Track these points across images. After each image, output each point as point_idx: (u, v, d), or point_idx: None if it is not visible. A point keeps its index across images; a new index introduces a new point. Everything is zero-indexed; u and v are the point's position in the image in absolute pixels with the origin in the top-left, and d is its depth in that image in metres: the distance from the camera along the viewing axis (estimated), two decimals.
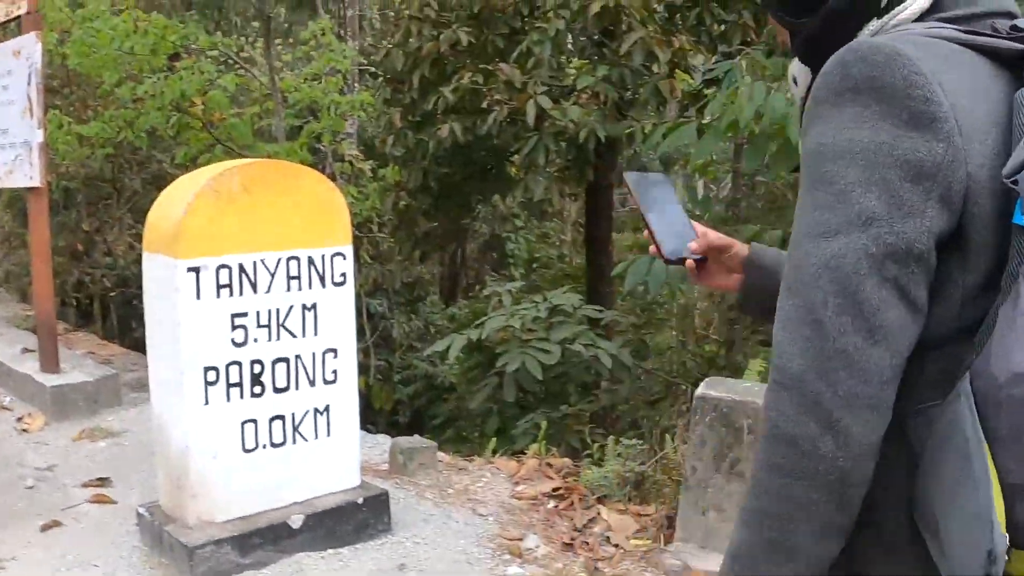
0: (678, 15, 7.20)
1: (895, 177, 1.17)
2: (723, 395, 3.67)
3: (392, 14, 7.31)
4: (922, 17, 1.33)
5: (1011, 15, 1.34)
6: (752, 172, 6.36)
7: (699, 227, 1.75)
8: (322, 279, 3.57)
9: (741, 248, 1.74)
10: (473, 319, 7.30)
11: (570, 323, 5.91)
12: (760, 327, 6.92)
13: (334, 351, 3.62)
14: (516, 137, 6.42)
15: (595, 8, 5.83)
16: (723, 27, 6.78)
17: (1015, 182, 1.12)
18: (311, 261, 3.54)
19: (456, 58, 6.83)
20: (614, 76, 6.15)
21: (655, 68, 6.20)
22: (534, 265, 11.92)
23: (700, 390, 3.73)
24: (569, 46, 7.18)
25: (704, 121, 5.53)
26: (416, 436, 4.37)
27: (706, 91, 6.69)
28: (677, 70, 6.00)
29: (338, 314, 3.62)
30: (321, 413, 3.60)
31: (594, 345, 5.77)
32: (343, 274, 3.62)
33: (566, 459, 4.40)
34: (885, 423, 1.15)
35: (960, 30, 1.25)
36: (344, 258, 3.62)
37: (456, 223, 8.37)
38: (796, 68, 1.46)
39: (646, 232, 1.82)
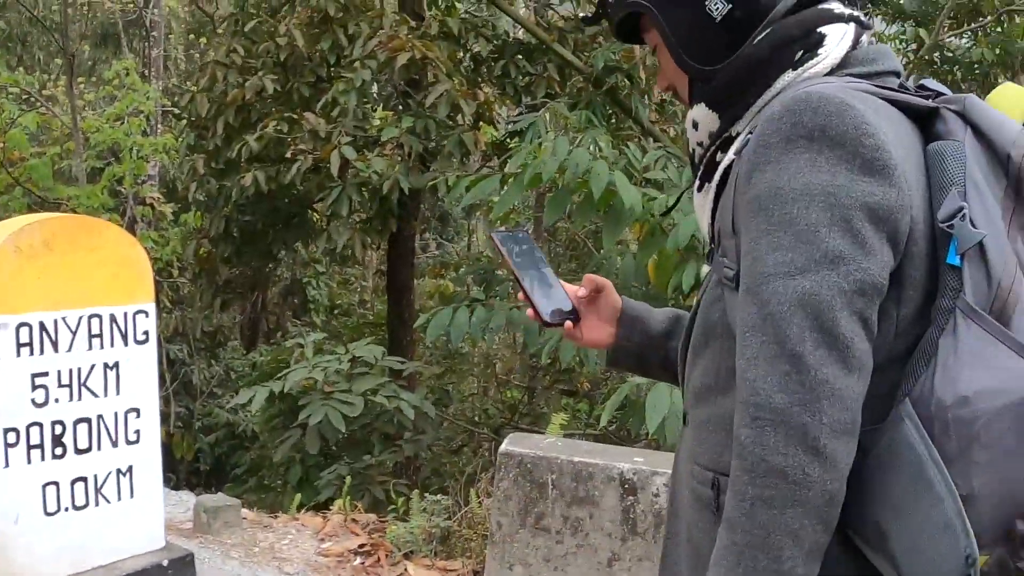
0: (483, 67, 7.40)
1: (856, 218, 1.26)
2: (527, 451, 3.78)
3: (198, 55, 7.20)
4: (832, 71, 1.44)
5: (898, 74, 1.47)
6: (554, 222, 6.59)
7: (568, 285, 1.80)
8: (124, 337, 3.50)
9: (614, 295, 1.80)
10: (275, 366, 7.23)
11: (372, 375, 5.94)
12: (560, 377, 7.19)
13: (136, 411, 3.55)
14: (320, 187, 6.42)
15: (402, 60, 5.92)
16: (528, 79, 7.00)
17: (950, 226, 1.26)
18: (113, 319, 3.47)
19: (261, 105, 6.80)
20: (419, 127, 6.26)
21: (460, 119, 6.35)
22: (335, 311, 11.88)
23: (504, 447, 3.83)
24: (375, 95, 7.26)
25: (508, 172, 5.70)
26: (220, 494, 4.33)
27: (509, 143, 6.89)
28: (482, 122, 6.15)
29: (140, 373, 3.56)
30: (124, 474, 3.52)
31: (396, 397, 5.81)
32: (146, 332, 3.55)
33: (371, 515, 4.42)
34: (856, 444, 1.25)
35: (877, 86, 1.38)
36: (147, 316, 3.56)
37: (258, 271, 8.27)
38: (699, 113, 1.53)
39: (520, 295, 1.81)
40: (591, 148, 5.57)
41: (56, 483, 3.32)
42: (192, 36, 11.08)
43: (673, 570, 1.57)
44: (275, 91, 6.66)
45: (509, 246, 1.84)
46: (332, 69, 6.80)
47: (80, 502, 3.37)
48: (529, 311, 1.75)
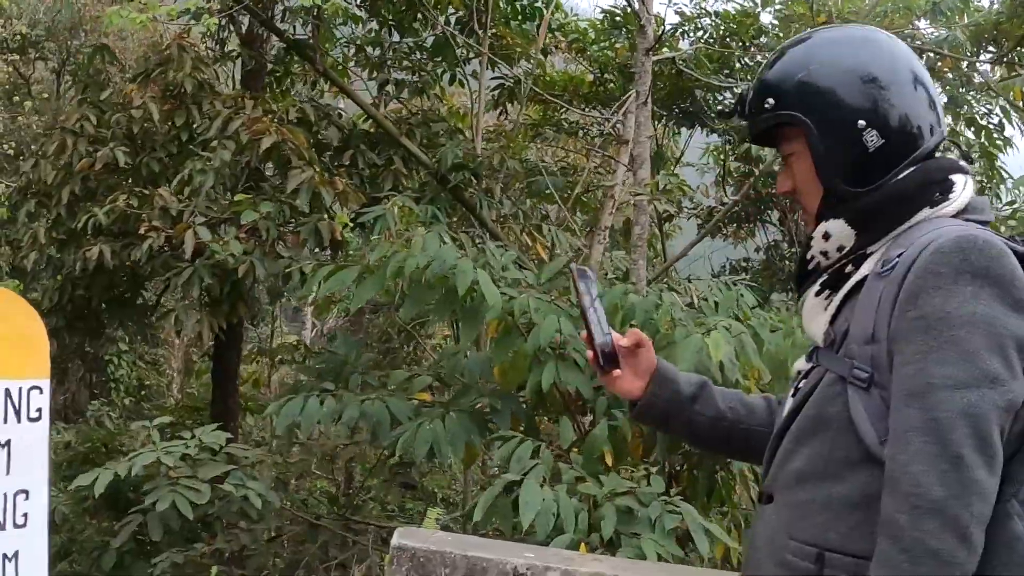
0: (329, 155, 7.44)
1: (1009, 347, 1.54)
2: (419, 545, 3.78)
3: (22, 118, 6.90)
4: (957, 214, 1.71)
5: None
6: (412, 316, 6.64)
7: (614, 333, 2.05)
8: (18, 414, 3.32)
9: (651, 352, 2.04)
10: (92, 446, 6.92)
11: (217, 461, 5.78)
12: (400, 469, 7.18)
13: (26, 492, 3.35)
14: (165, 266, 6.26)
15: (266, 144, 5.91)
16: (374, 171, 7.09)
17: None
18: (8, 393, 3.29)
19: (108, 177, 6.59)
20: (275, 213, 6.22)
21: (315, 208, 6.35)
22: (142, 392, 11.41)
23: (397, 540, 3.81)
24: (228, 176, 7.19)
25: (369, 264, 5.73)
26: None
27: (347, 235, 6.91)
28: (338, 212, 6.19)
29: (31, 452, 3.37)
30: (10, 560, 3.31)
31: (243, 485, 5.67)
32: (39, 409, 3.38)
33: None
34: None
35: (1006, 238, 1.66)
36: (41, 392, 3.39)
37: (80, 346, 7.90)
38: (834, 227, 1.75)
39: (584, 334, 1.98)
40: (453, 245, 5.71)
41: None
42: (12, 99, 10.60)
43: None
44: (127, 164, 6.48)
45: (585, 284, 2.03)
46: (184, 146, 6.68)
47: None
48: (589, 353, 2.00)
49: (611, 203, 7.85)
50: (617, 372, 2.04)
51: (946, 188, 1.73)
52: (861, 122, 1.73)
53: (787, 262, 11.40)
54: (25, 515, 3.39)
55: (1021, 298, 1.56)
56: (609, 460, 5.49)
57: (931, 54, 8.17)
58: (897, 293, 1.62)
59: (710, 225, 9.41)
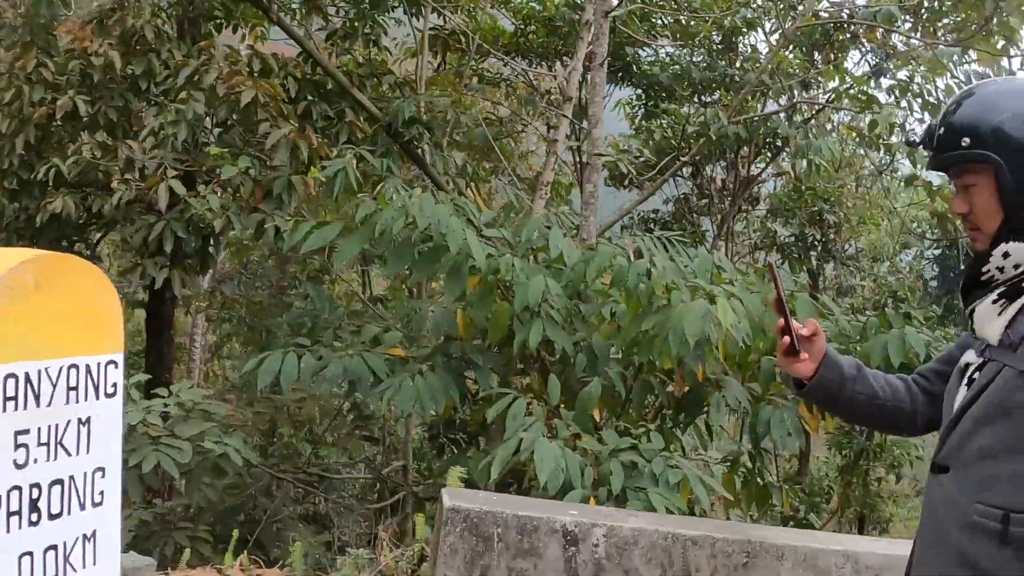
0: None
1: None
2: (473, 506, 3.87)
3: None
4: None
5: None
6: (395, 274, 6.61)
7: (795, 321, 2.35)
8: (96, 390, 3.23)
9: (823, 339, 2.34)
10: None
11: (194, 419, 5.70)
12: (359, 423, 7.19)
13: (103, 470, 3.28)
14: (128, 219, 6.03)
15: (246, 98, 5.75)
16: (328, 123, 6.97)
17: None
18: (88, 370, 3.20)
19: (65, 126, 6.28)
20: (252, 168, 6.07)
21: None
22: None
23: (450, 502, 3.88)
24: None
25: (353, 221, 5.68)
26: (132, 553, 4.03)
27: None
28: (312, 166, 6.08)
29: (108, 428, 3.29)
30: (89, 539, 3.23)
31: (223, 442, 5.62)
32: (115, 384, 3.30)
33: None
34: None
35: None
36: (116, 366, 3.31)
37: None
38: (1016, 249, 2.05)
39: (781, 321, 2.19)
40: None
41: (31, 553, 3.02)
42: None
43: None
44: (87, 113, 6.18)
45: (781, 280, 2.24)
46: (142, 95, 6.42)
47: (51, 574, 3.07)
48: (786, 339, 2.28)
49: (554, 158, 7.95)
50: (804, 356, 2.24)
51: None
52: None
53: (696, 215, 11.84)
54: (102, 493, 3.30)
55: None
56: (598, 416, 5.67)
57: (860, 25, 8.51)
58: None
59: (659, 182, 9.58)
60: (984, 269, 2.11)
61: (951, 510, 2.05)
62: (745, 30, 9.99)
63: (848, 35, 9.13)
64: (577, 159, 9.91)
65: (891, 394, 2.39)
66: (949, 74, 7.58)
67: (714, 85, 9.98)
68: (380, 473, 7.15)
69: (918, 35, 8.32)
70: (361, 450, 7.29)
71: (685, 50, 10.11)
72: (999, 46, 7.53)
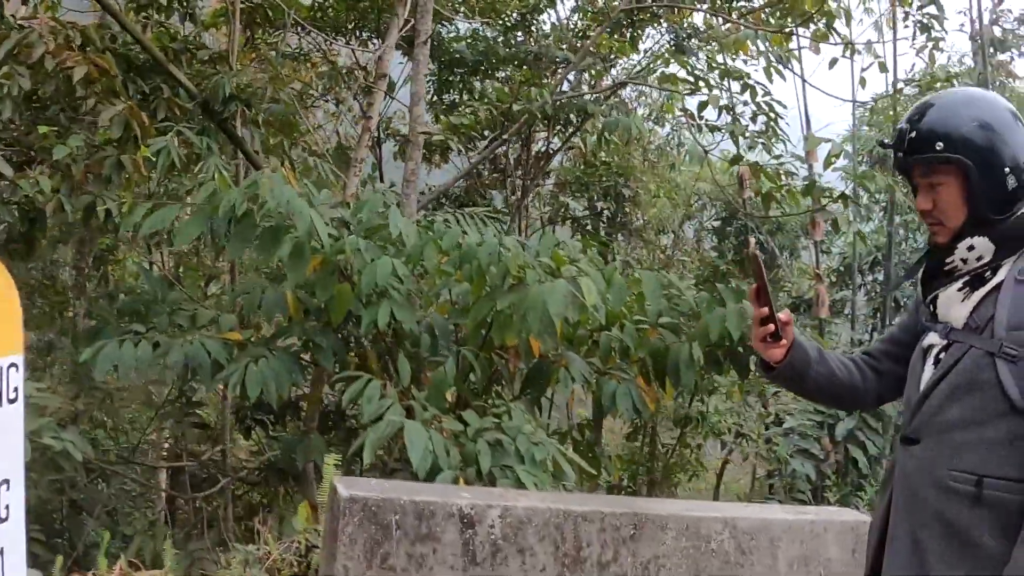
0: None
1: None
2: (371, 494, 3.85)
3: None
4: None
5: None
6: (237, 256, 6.37)
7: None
8: None
9: (792, 326, 2.58)
10: None
11: (28, 414, 5.33)
12: (189, 409, 6.91)
13: (7, 482, 3.07)
14: None
15: (79, 74, 5.37)
16: (145, 99, 6.63)
17: None
18: None
19: None
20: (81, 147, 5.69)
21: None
22: None
23: (347, 491, 3.85)
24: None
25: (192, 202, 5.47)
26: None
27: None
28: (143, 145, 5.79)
29: (11, 438, 3.08)
30: None
31: (59, 437, 5.32)
32: (16, 389, 3.09)
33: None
34: None
35: None
36: (17, 369, 3.09)
37: None
38: (979, 243, 2.34)
39: (765, 309, 2.36)
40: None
41: None
42: None
43: (921, 554, 2.30)
44: None
45: (764, 271, 2.44)
46: None
47: None
48: (771, 326, 2.37)
49: (367, 135, 7.89)
50: (783, 342, 2.44)
51: None
52: (1006, 168, 2.32)
53: (487, 188, 12.00)
54: (7, 507, 3.07)
55: None
56: (450, 397, 5.72)
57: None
58: None
59: (476, 161, 9.62)
60: (948, 260, 2.38)
61: (925, 477, 2.31)
62: (544, 6, 10.21)
63: (648, 14, 9.46)
64: (379, 135, 9.87)
65: (847, 374, 2.64)
66: (769, 56, 8.01)
67: (516, 62, 10.13)
68: (201, 460, 6.94)
69: (723, 16, 8.72)
70: (192, 437, 7.04)
71: (488, 26, 10.19)
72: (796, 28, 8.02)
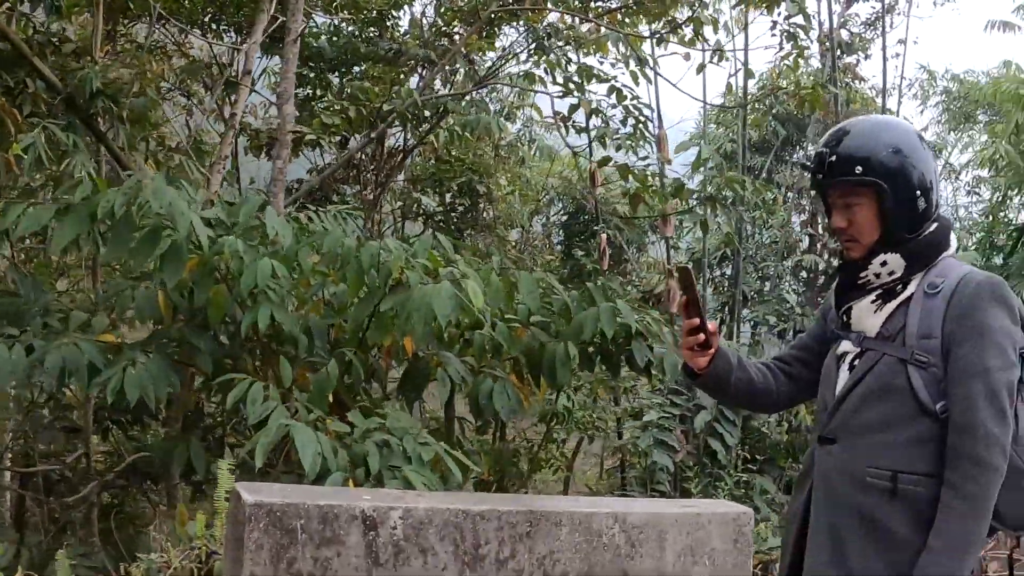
0: None
1: (1018, 346, 2.43)
2: (276, 500, 3.86)
3: None
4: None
5: None
6: (115, 258, 6.18)
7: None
8: None
9: (717, 336, 2.79)
10: None
11: None
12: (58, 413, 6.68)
13: None
14: None
15: None
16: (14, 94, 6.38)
17: None
18: None
19: None
20: None
21: None
22: None
23: (250, 497, 3.84)
24: None
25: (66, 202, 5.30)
26: None
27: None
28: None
29: None
30: None
31: None
32: None
33: None
34: None
35: None
36: None
37: None
38: (892, 258, 2.57)
39: (695, 320, 2.53)
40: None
41: None
42: None
43: (841, 544, 2.54)
44: None
45: (696, 284, 2.62)
46: None
47: None
48: (701, 336, 2.58)
49: (231, 132, 7.77)
50: (712, 351, 2.64)
51: (949, 236, 2.65)
52: (917, 192, 2.56)
53: (339, 183, 11.90)
54: None
55: (1016, 315, 2.49)
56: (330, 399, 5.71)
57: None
58: (947, 308, 2.49)
59: (344, 156, 9.53)
60: (862, 275, 2.61)
61: (844, 474, 2.54)
62: (403, 2, 10.22)
63: (506, 13, 9.57)
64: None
65: (762, 379, 2.85)
66: (629, 58, 8.25)
67: (375, 59, 10.12)
68: (66, 463, 6.74)
69: (580, 17, 8.92)
70: (59, 440, 6.82)
71: (348, 22, 10.15)
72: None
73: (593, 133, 8.68)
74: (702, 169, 9.57)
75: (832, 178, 2.58)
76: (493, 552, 4.10)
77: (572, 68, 9.10)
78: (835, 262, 12.72)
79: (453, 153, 11.67)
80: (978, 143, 16.38)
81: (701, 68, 9.04)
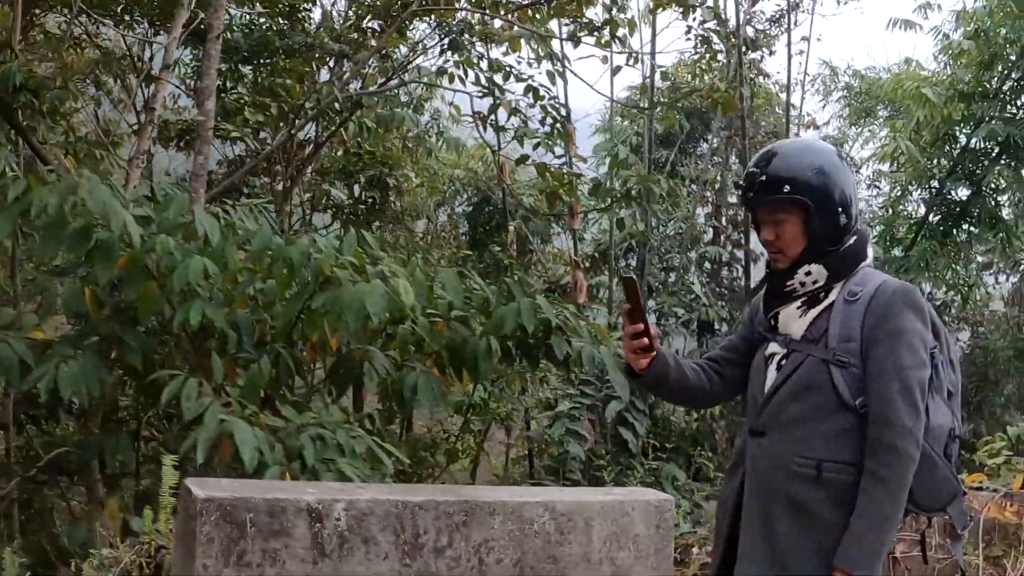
0: None
1: (928, 347, 2.74)
2: (226, 494, 4.00)
3: None
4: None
5: None
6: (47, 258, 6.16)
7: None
8: None
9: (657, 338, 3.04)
10: None
11: None
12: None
13: None
14: None
15: None
16: None
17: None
18: None
19: None
20: None
21: None
22: None
23: (202, 492, 3.97)
24: None
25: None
26: None
27: None
28: None
29: None
30: None
31: None
32: None
33: None
34: None
35: None
36: None
37: None
38: (815, 268, 2.86)
39: (640, 326, 2.77)
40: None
41: None
42: None
43: (772, 527, 2.81)
44: None
45: (641, 292, 2.89)
46: None
47: None
48: (644, 340, 2.83)
49: (150, 127, 7.77)
50: (653, 353, 2.90)
51: (867, 247, 2.94)
52: (839, 208, 2.84)
53: (247, 175, 11.85)
54: None
55: (927, 319, 2.80)
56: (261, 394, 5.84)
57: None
58: (865, 313, 2.77)
59: (265, 152, 9.53)
60: (788, 283, 2.88)
61: (773, 463, 2.82)
62: None
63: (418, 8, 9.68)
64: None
65: (696, 378, 3.10)
66: (539, 53, 8.45)
67: (289, 52, 10.15)
68: None
69: (492, 14, 9.09)
70: None
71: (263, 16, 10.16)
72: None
73: (511, 132, 8.88)
74: (617, 169, 9.85)
75: (763, 196, 2.84)
76: (431, 541, 4.31)
77: (485, 65, 9.26)
78: (738, 253, 13.19)
79: (365, 146, 11.77)
80: (879, 138, 17.00)
81: (617, 71, 9.34)
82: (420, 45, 10.33)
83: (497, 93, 8.56)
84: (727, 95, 9.24)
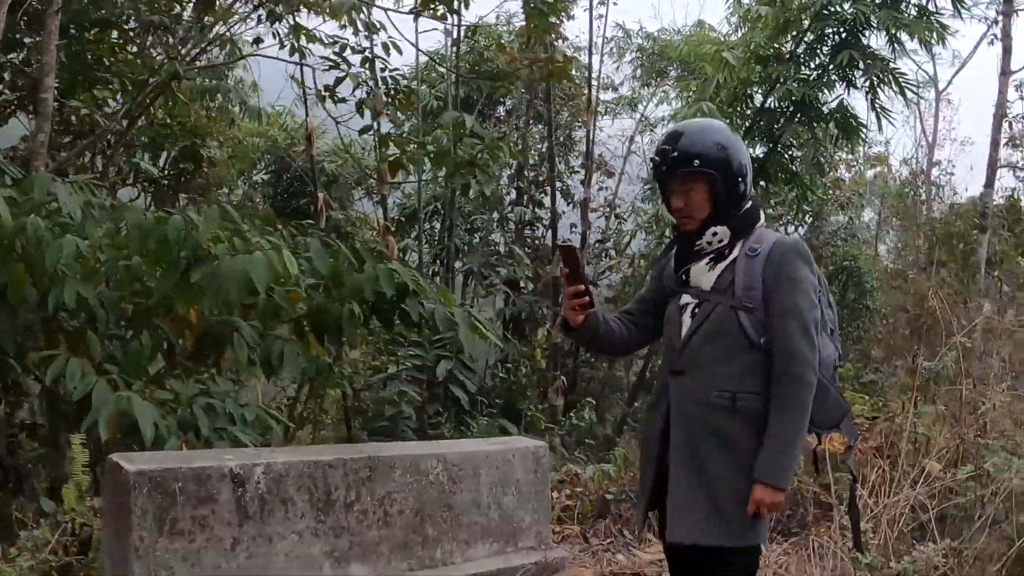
0: None
1: (817, 290, 3.35)
2: (155, 467, 4.21)
3: None
4: None
5: None
6: None
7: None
8: None
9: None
10: None
11: None
12: None
13: None
14: None
15: None
16: None
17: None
18: None
19: None
20: None
21: None
22: None
23: (132, 467, 4.17)
24: None
25: None
26: None
27: None
28: None
29: None
30: None
31: None
32: None
33: None
34: None
35: None
36: None
37: None
38: (721, 230, 3.33)
39: (582, 286, 3.22)
40: None
41: None
42: None
43: (698, 453, 3.32)
44: None
45: (582, 259, 3.33)
46: None
47: None
48: (586, 298, 3.31)
49: None
50: (591, 311, 3.38)
51: (759, 211, 3.46)
52: (739, 178, 3.34)
53: (52, 150, 11.40)
54: None
55: (814, 267, 3.35)
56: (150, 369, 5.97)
57: None
58: (764, 265, 3.26)
59: (102, 130, 9.27)
60: (697, 243, 3.37)
61: (694, 397, 3.30)
62: None
63: None
64: None
65: (619, 329, 3.55)
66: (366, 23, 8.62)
67: (103, 24, 9.91)
68: None
69: None
70: None
71: None
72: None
73: (367, 106, 9.03)
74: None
75: (675, 169, 3.30)
76: (342, 497, 4.67)
77: (303, 37, 9.37)
78: (541, 213, 13.83)
79: (175, 119, 11.58)
80: (672, 99, 17.74)
81: (456, 43, 9.61)
82: (235, 14, 10.25)
83: (343, 65, 8.72)
84: (563, 66, 9.68)
